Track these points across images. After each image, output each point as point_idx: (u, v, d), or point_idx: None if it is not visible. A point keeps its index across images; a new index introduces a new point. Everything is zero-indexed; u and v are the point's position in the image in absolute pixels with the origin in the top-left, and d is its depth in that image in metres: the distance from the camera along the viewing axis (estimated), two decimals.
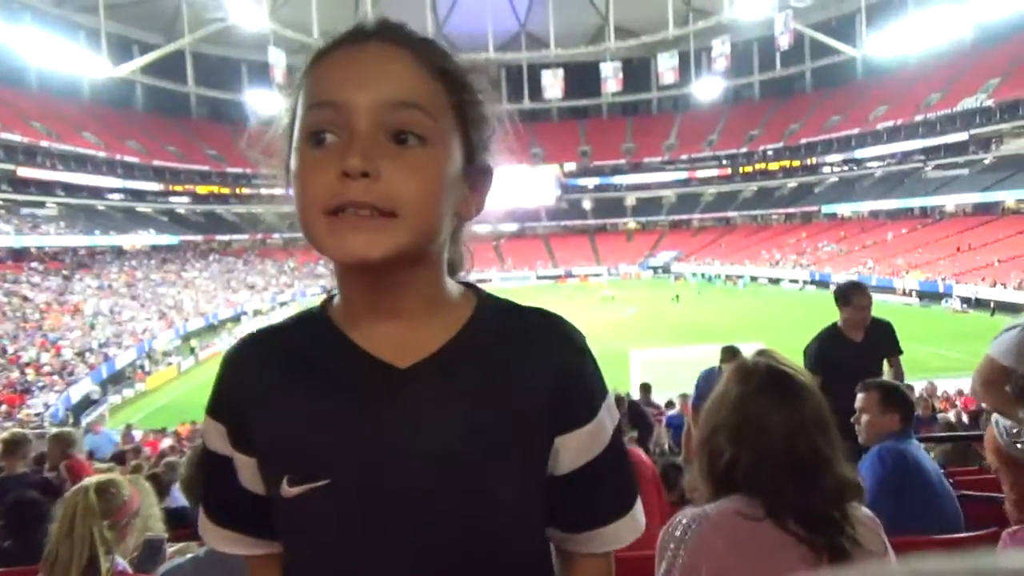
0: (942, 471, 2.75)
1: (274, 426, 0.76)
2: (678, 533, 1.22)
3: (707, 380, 5.02)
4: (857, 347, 4.02)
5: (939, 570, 0.23)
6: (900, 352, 4.22)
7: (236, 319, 39.11)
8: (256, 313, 40.67)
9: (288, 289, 48.96)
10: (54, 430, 5.32)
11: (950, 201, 47.18)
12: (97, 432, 12.00)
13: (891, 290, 37.43)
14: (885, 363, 4.20)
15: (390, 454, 0.73)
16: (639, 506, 0.86)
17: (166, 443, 12.06)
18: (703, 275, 54.35)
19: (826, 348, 4.07)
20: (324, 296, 0.84)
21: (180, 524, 3.70)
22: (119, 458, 7.66)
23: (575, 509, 0.83)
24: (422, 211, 0.69)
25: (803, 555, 1.16)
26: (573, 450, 0.80)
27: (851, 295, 4.09)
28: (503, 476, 0.76)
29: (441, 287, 0.79)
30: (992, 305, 30.49)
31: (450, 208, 0.73)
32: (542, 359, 0.79)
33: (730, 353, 5.03)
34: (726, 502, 1.24)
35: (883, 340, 4.15)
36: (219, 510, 0.84)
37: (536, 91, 67.45)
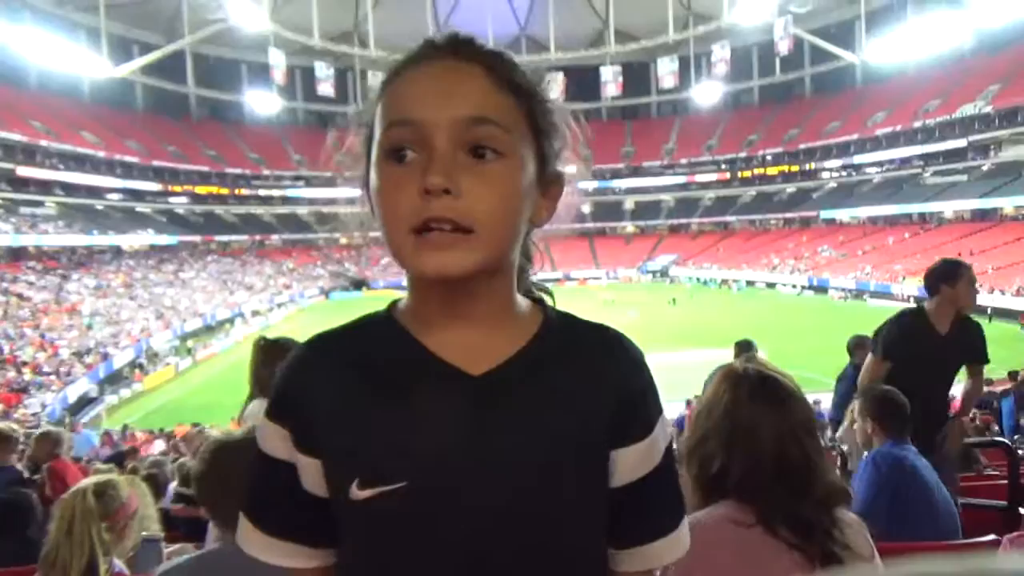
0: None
1: (346, 427, 0.76)
2: None
3: None
4: (942, 341, 3.47)
5: (937, 571, 0.23)
6: (986, 360, 3.65)
7: (233, 320, 39.09)
8: (254, 314, 40.64)
9: (286, 290, 48.96)
10: (43, 429, 5.21)
11: (949, 207, 47.28)
12: (77, 432, 11.98)
13: (889, 296, 37.46)
14: (963, 369, 3.67)
15: (464, 460, 0.74)
16: (685, 526, 0.86)
17: (158, 446, 11.95)
18: (697, 279, 54.67)
19: (908, 335, 3.50)
20: (389, 301, 0.84)
21: (175, 526, 3.71)
22: (118, 459, 7.64)
23: (623, 524, 0.83)
24: (499, 227, 0.71)
25: (795, 561, 1.16)
26: (627, 465, 0.81)
27: (960, 270, 3.50)
28: (568, 485, 0.77)
29: (512, 296, 0.81)
30: (989, 311, 30.51)
31: (525, 218, 0.76)
32: (607, 373, 0.80)
33: (744, 347, 4.96)
34: (718, 509, 1.23)
35: (970, 341, 3.56)
36: (271, 519, 0.82)
37: None
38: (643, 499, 0.83)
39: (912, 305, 3.75)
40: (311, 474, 0.79)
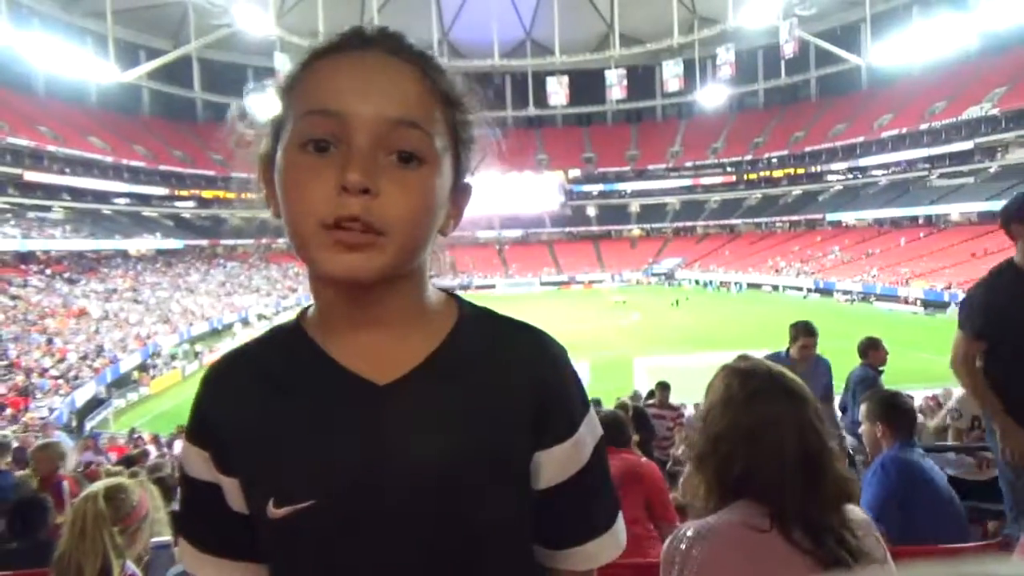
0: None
1: (255, 448, 0.74)
2: (684, 547, 1.19)
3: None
4: None
5: None
6: None
7: (240, 323, 39.16)
8: (260, 318, 40.71)
9: (292, 293, 49.00)
10: (42, 440, 5.07)
11: (955, 210, 47.11)
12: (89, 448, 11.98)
13: (896, 298, 37.35)
14: None
15: (372, 474, 0.72)
16: (620, 524, 0.85)
17: (152, 451, 11.91)
18: (696, 281, 55.06)
19: (1001, 296, 2.85)
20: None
21: None
22: (127, 462, 7.67)
23: (556, 525, 0.82)
24: (412, 232, 0.69)
25: (810, 567, 1.15)
26: (553, 465, 0.79)
27: None
28: (487, 492, 0.74)
29: (421, 299, 0.79)
30: None
31: (437, 226, 0.73)
32: (523, 373, 0.78)
33: (803, 329, 4.73)
34: (731, 514, 1.21)
35: None
36: (204, 536, 0.82)
37: (541, 98, 67.63)
38: (573, 499, 0.81)
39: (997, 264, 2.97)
40: (233, 494, 0.78)
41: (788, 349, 4.79)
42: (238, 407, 0.76)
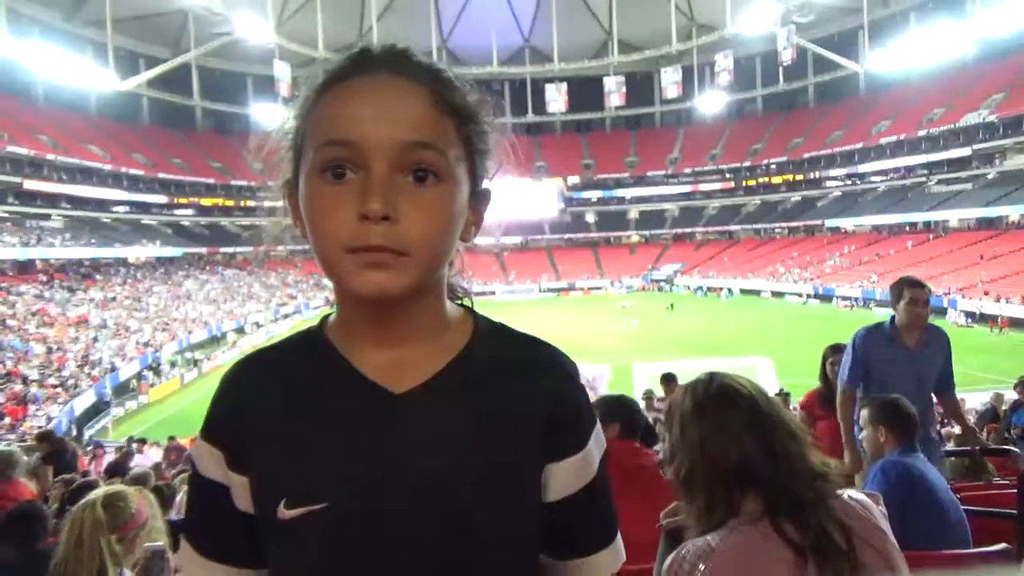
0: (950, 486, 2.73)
1: (272, 448, 0.76)
2: (687, 568, 1.19)
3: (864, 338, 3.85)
4: None
5: None
6: None
7: (239, 331, 39.14)
8: (257, 326, 40.68)
9: (292, 301, 49.01)
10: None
11: (954, 216, 47.19)
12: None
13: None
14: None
15: (385, 479, 0.73)
16: (620, 538, 0.87)
17: (154, 456, 11.85)
18: (686, 287, 55.84)
19: None
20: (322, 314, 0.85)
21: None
22: (120, 471, 7.64)
23: (562, 537, 0.83)
24: (432, 250, 0.72)
25: (803, 567, 1.15)
26: (562, 478, 0.81)
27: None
28: (496, 502, 0.76)
29: (441, 311, 0.81)
30: (999, 319, 30.42)
31: (456, 238, 0.76)
32: (535, 387, 0.79)
33: (908, 282, 4.27)
34: (728, 534, 1.22)
35: None
36: (206, 540, 0.82)
37: (540, 105, 67.81)
38: (580, 512, 0.82)
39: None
40: (242, 493, 0.79)
41: (892, 317, 3.79)
42: (258, 406, 0.78)
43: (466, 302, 0.87)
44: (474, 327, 0.82)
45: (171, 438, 15.22)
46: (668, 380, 8.13)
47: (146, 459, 10.83)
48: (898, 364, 3.65)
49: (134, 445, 12.07)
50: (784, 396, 6.14)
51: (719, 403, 1.32)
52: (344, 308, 0.79)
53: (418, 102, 0.72)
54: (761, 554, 1.18)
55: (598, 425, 0.84)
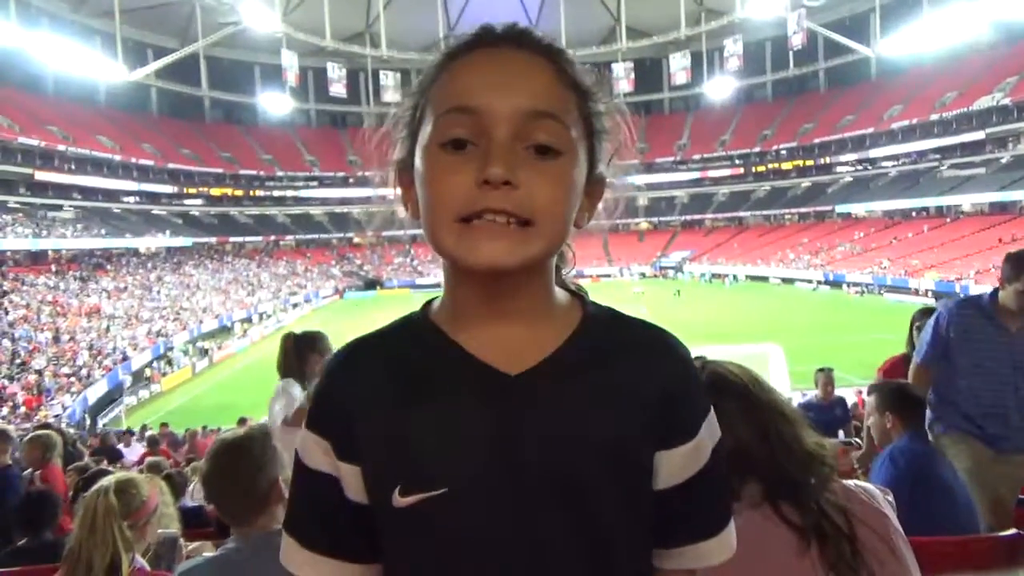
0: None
1: (385, 434, 0.75)
2: None
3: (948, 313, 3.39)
4: None
5: None
6: None
7: (247, 321, 39.39)
8: (265, 316, 40.92)
9: (301, 290, 49.25)
10: (35, 432, 5.05)
11: (966, 201, 46.83)
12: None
13: (907, 290, 37.16)
14: None
15: (503, 463, 0.72)
16: (732, 527, 0.84)
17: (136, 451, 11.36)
18: (690, 273, 56.07)
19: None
20: (424, 302, 0.82)
21: (194, 523, 3.74)
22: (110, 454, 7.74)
23: (669, 525, 0.81)
24: (557, 221, 0.70)
25: (813, 564, 1.16)
26: (672, 467, 0.79)
27: None
28: (609, 488, 0.75)
29: (550, 293, 0.79)
30: None
31: (574, 217, 0.74)
32: (649, 372, 0.78)
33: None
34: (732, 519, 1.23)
35: None
36: (315, 535, 0.80)
37: None
38: (690, 501, 0.80)
39: None
40: (353, 483, 0.77)
41: (996, 290, 3.25)
42: (368, 393, 0.77)
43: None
44: (584, 310, 0.80)
45: (163, 425, 15.33)
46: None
47: (131, 453, 10.23)
48: (995, 347, 3.17)
49: (115, 437, 11.81)
50: (827, 372, 6.14)
51: (709, 391, 1.31)
52: (453, 287, 0.77)
53: (541, 73, 0.71)
54: (763, 537, 1.18)
55: (711, 413, 0.82)
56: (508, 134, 0.68)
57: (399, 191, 0.78)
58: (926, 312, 4.04)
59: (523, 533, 0.73)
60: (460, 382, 0.75)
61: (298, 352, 3.35)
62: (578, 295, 0.83)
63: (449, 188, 0.68)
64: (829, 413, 6.27)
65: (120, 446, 10.55)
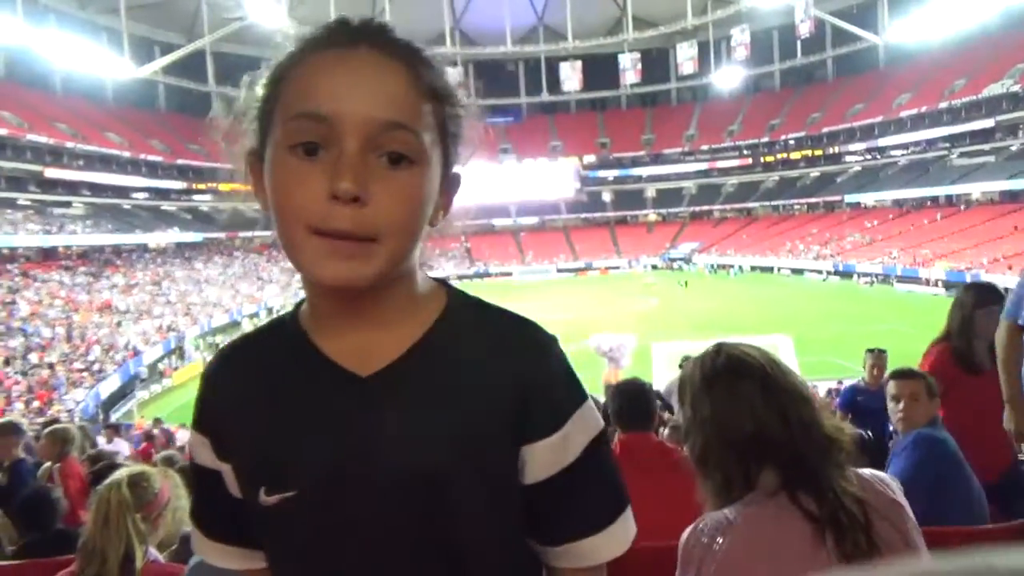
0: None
1: (247, 436, 0.77)
2: (705, 541, 1.20)
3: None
4: None
5: (933, 570, 0.22)
6: None
7: (254, 316, 39.54)
8: (270, 312, 41.04)
9: None
10: (53, 427, 5.06)
11: (976, 189, 46.43)
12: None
13: (917, 280, 36.95)
14: None
15: (353, 464, 0.73)
16: (624, 522, 0.82)
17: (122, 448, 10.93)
18: (694, 264, 56.18)
19: None
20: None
21: None
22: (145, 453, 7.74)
23: (548, 521, 0.80)
24: (403, 237, 0.69)
25: (828, 555, 1.15)
26: (539, 461, 0.78)
27: None
28: (465, 483, 0.74)
29: (411, 291, 0.78)
30: (1004, 290, 29.96)
31: (426, 223, 0.73)
32: (505, 365, 0.77)
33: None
34: (746, 507, 1.22)
35: None
36: (213, 525, 0.85)
37: (554, 84, 67.29)
38: (565, 495, 0.79)
39: None
40: (230, 479, 0.80)
41: None
42: (233, 395, 0.79)
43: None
44: (446, 304, 0.80)
45: (156, 420, 15.33)
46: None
47: (115, 447, 10.05)
48: None
49: (101, 432, 11.55)
50: (877, 353, 5.14)
51: (728, 375, 1.31)
52: (311, 294, 0.78)
53: (396, 80, 0.69)
54: (779, 527, 1.18)
55: (584, 406, 0.79)
56: (359, 145, 0.66)
57: (252, 180, 0.76)
58: (978, 290, 3.52)
59: (374, 533, 0.74)
60: (316, 386, 0.75)
61: None
62: (446, 285, 0.83)
63: (299, 199, 0.66)
64: (879, 399, 5.48)
65: (101, 440, 10.06)
